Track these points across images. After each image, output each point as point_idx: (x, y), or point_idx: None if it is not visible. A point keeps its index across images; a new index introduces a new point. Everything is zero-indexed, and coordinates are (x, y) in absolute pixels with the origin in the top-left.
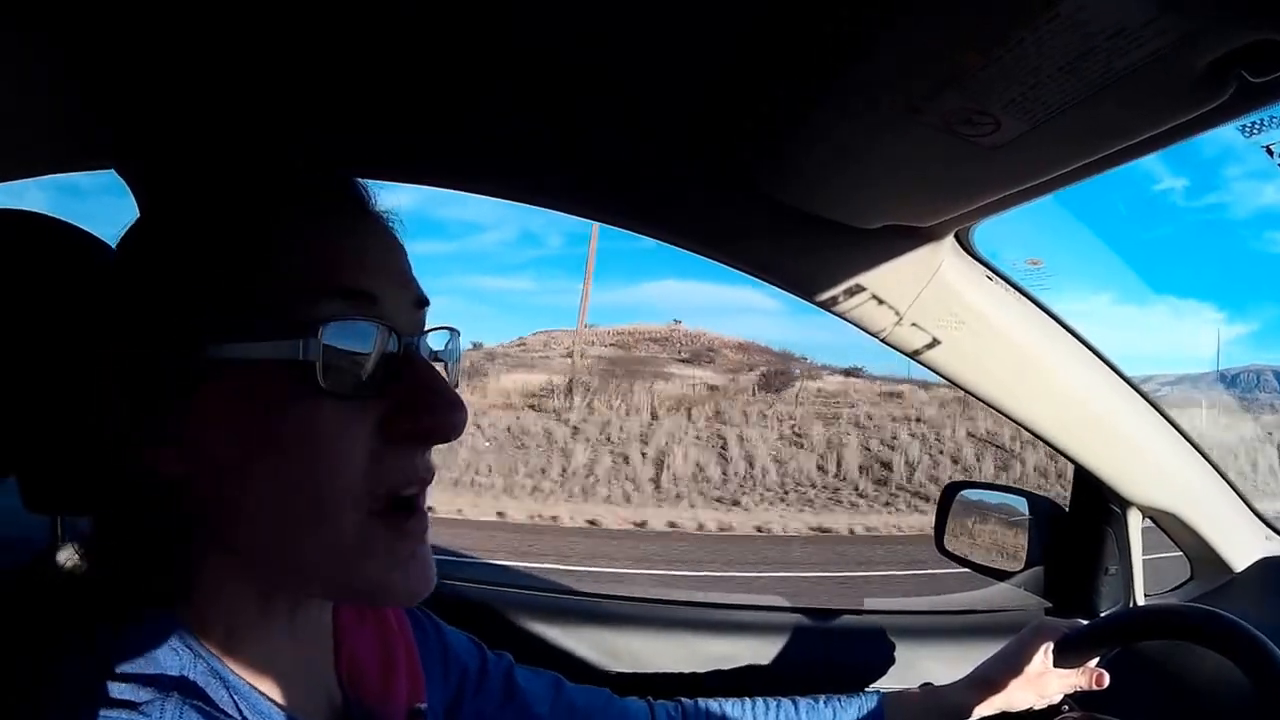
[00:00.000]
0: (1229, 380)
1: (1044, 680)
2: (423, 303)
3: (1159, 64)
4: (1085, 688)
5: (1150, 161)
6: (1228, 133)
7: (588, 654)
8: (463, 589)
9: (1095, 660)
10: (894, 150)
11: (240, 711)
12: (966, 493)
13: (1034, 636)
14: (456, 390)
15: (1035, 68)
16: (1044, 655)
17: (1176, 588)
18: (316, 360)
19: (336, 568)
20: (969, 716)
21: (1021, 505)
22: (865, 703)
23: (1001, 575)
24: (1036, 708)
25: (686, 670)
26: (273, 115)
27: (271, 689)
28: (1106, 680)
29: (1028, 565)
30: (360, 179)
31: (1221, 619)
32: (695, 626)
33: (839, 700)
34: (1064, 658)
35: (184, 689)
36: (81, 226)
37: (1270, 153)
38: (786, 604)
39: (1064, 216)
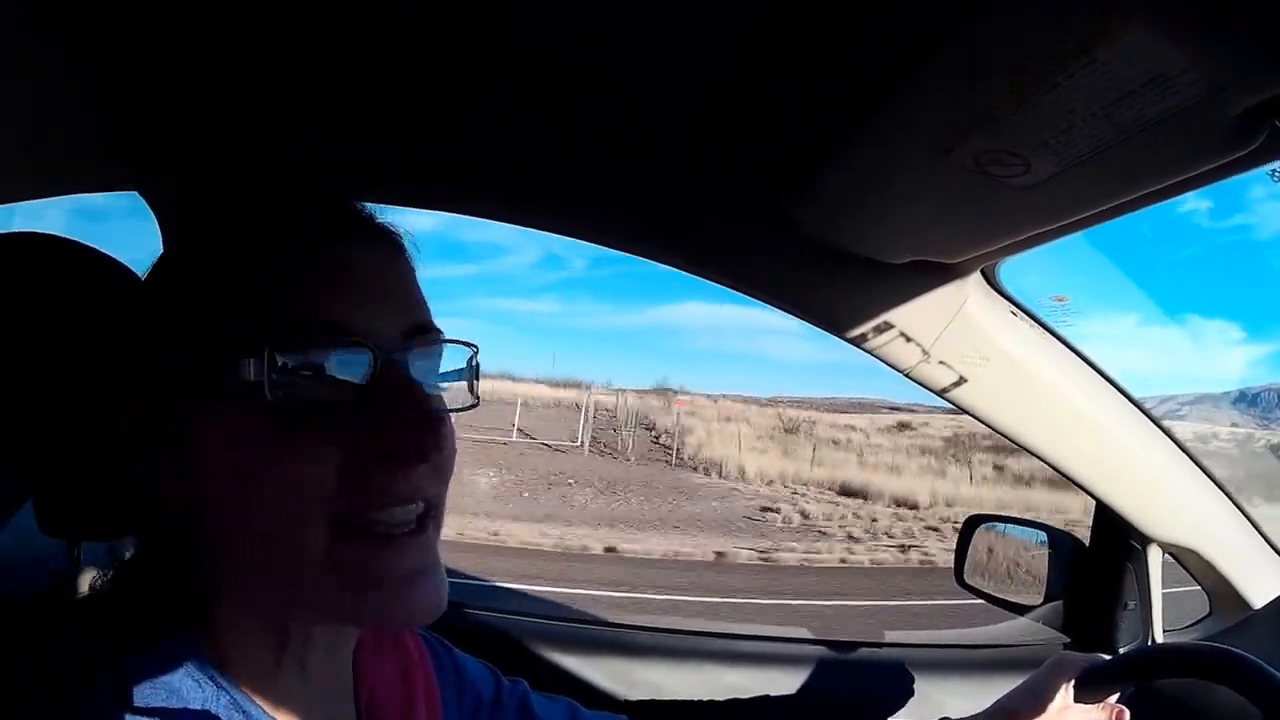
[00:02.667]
0: (1250, 399)
1: (1064, 716)
2: (419, 326)
3: (1191, 111)
4: None
5: None
6: None
7: (604, 683)
8: (479, 617)
9: (1115, 696)
10: (924, 188)
11: None
12: (986, 525)
13: (1055, 671)
14: (472, 405)
15: (1069, 112)
16: (1065, 691)
17: (1195, 624)
18: (264, 385)
19: (310, 589)
20: None
21: (1042, 539)
22: None
23: (1020, 609)
24: None
25: (703, 700)
26: (292, 145)
27: None
28: (1127, 717)
29: (1047, 600)
30: (377, 203)
31: (1240, 659)
32: (713, 657)
33: None
34: (1084, 693)
35: None
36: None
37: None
38: (805, 635)
39: (1089, 240)
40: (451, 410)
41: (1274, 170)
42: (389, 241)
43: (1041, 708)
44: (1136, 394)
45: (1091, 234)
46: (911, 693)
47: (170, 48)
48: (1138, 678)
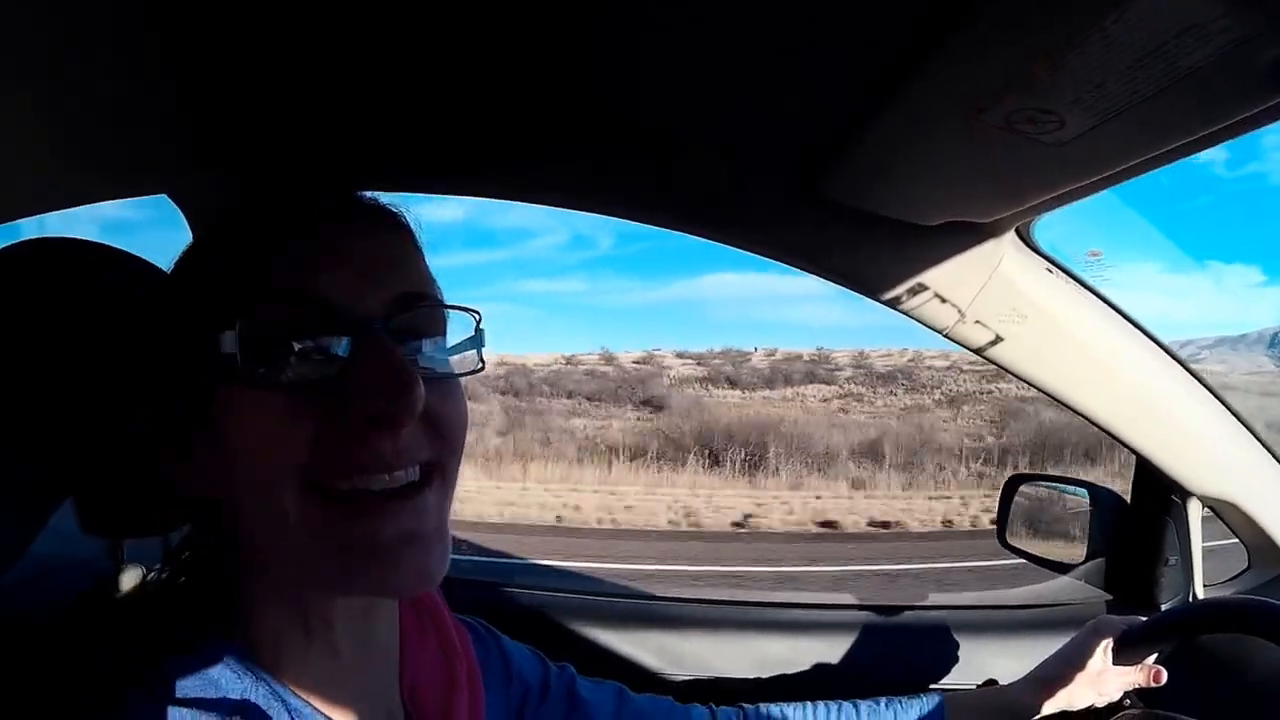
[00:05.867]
0: (1270, 341)
1: (1103, 678)
2: (410, 295)
3: (1224, 61)
4: (1144, 685)
5: None
6: None
7: (649, 660)
8: (519, 595)
9: (1154, 657)
10: (956, 149)
11: None
12: (1027, 485)
13: (1093, 635)
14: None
15: (1101, 67)
16: (1103, 653)
17: (1234, 578)
18: (236, 354)
19: (302, 557)
20: (1031, 715)
21: (1083, 497)
22: (926, 704)
23: (1063, 568)
24: (1097, 705)
25: (750, 674)
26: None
27: (331, 709)
28: (1165, 677)
29: (1089, 558)
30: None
31: (1277, 609)
32: (760, 627)
33: (900, 702)
34: (1122, 655)
35: (246, 713)
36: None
37: None
38: (849, 601)
39: (1111, 193)
40: (459, 375)
41: None
42: (383, 219)
43: (1081, 671)
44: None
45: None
46: (956, 656)
47: (194, 46)
48: (1176, 636)
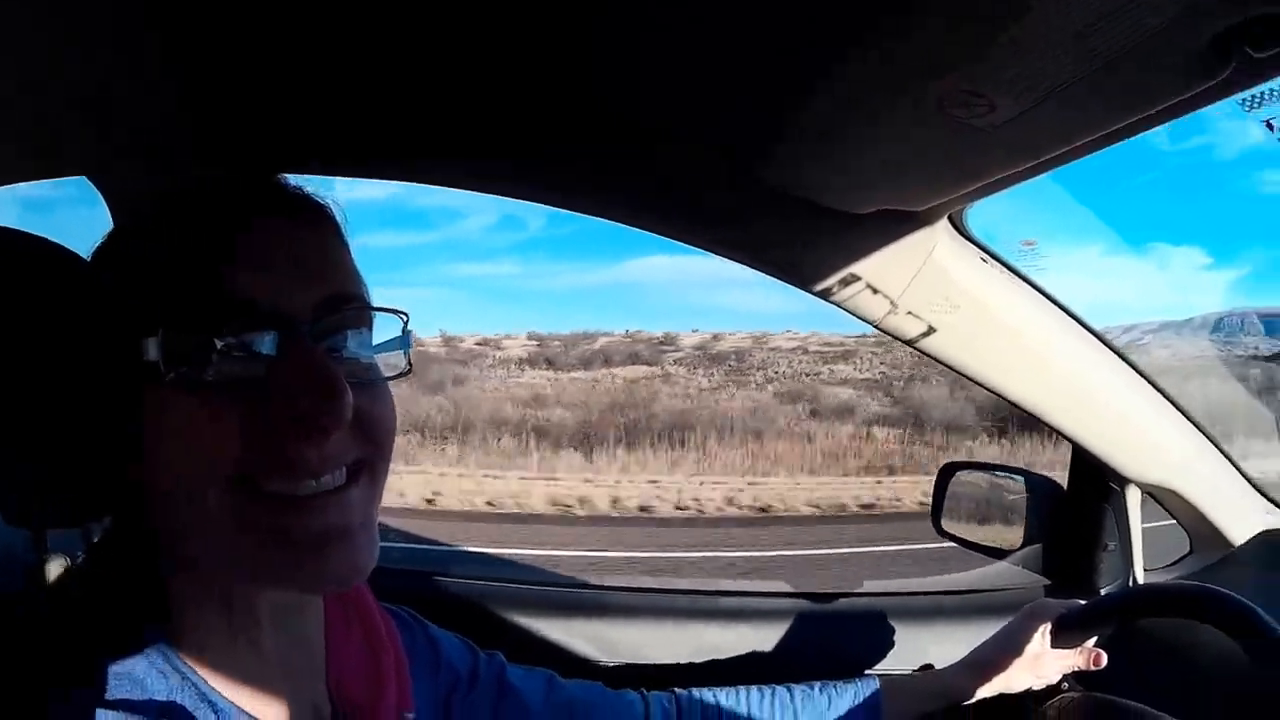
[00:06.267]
0: (1213, 325)
1: (1041, 661)
2: (338, 296)
3: (1159, 39)
4: (1083, 668)
5: None
6: None
7: (583, 647)
8: (450, 584)
9: (1093, 640)
10: (886, 133)
11: None
12: (963, 472)
13: (1031, 618)
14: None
15: (1032, 48)
16: (1041, 636)
17: (1175, 562)
18: (159, 355)
19: (226, 551)
20: (967, 699)
21: (1019, 484)
22: (862, 688)
23: (999, 554)
24: (1035, 688)
25: (685, 660)
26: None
27: (257, 705)
28: (1104, 660)
29: (1026, 544)
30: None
31: (1214, 594)
32: (693, 615)
33: (834, 686)
34: (1061, 638)
35: (171, 714)
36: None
37: (1270, 127)
38: (785, 589)
39: (1051, 176)
40: (389, 378)
41: (1244, 100)
42: (308, 211)
43: (1018, 654)
44: (1101, 324)
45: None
46: (892, 642)
47: (124, 22)
48: (1114, 620)
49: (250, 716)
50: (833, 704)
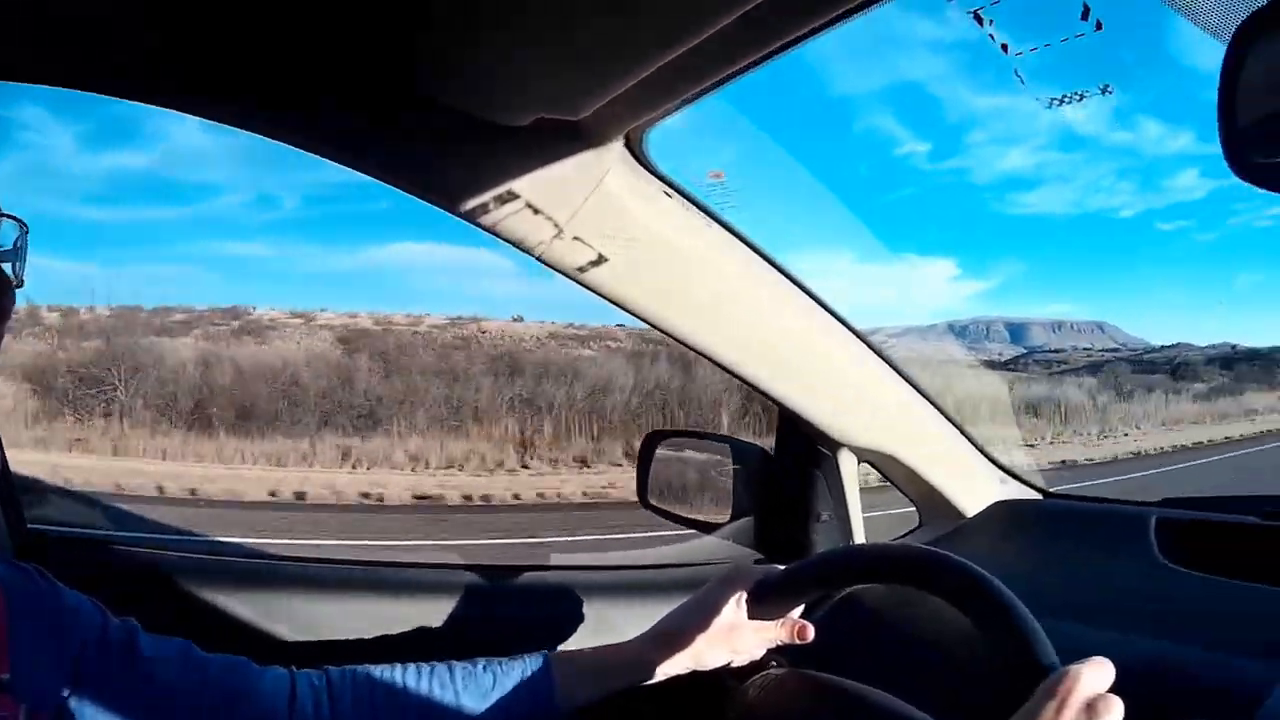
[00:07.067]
0: (958, 331)
1: (738, 634)
2: None
3: None
4: (785, 641)
5: (892, 125)
6: (973, 100)
7: (258, 620)
8: (122, 553)
9: (799, 611)
10: (537, 25)
11: None
12: (669, 442)
13: (723, 585)
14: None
15: None
16: (736, 605)
17: (904, 535)
18: None
19: None
20: (650, 674)
21: (726, 452)
22: (530, 664)
23: (708, 527)
24: (737, 664)
25: (368, 635)
26: None
27: None
28: (810, 633)
29: (736, 516)
30: None
31: (925, 555)
32: (370, 587)
33: (500, 664)
34: (760, 608)
35: None
36: None
37: (979, 20)
38: (461, 561)
39: (807, 179)
40: None
41: (1051, 100)
42: None
43: (708, 625)
44: None
45: (813, 166)
46: (582, 617)
47: None
48: (815, 587)
49: None
50: (498, 682)
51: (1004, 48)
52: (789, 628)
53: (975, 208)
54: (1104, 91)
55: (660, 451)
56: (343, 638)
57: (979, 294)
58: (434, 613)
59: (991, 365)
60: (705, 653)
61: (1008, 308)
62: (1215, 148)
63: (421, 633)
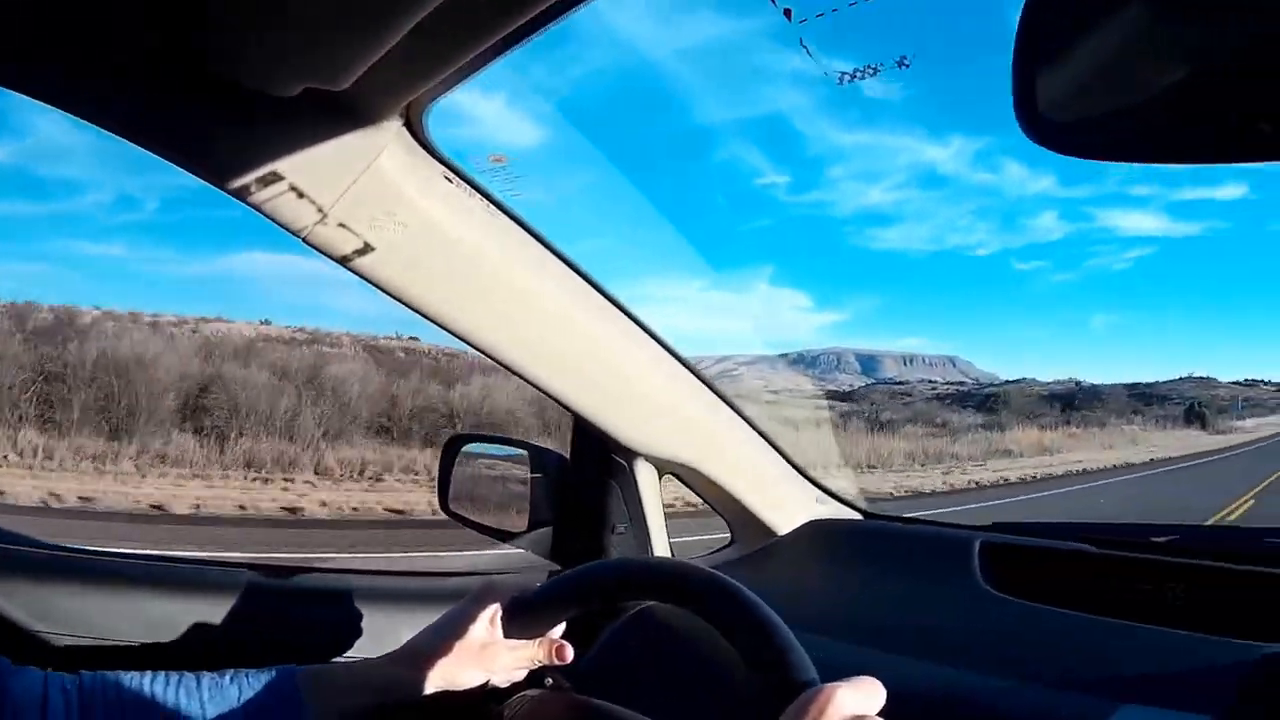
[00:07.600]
0: (809, 360)
1: (491, 653)
2: None
3: None
4: (544, 661)
5: (754, 156)
6: (834, 135)
7: (17, 614)
8: None
9: (560, 630)
10: None
11: None
12: (471, 446)
13: (474, 603)
14: None
15: None
16: (490, 624)
17: (714, 553)
18: None
19: None
20: (400, 693)
21: (525, 459)
22: (279, 677)
23: (506, 536)
24: (497, 684)
25: (138, 638)
26: None
27: None
28: (569, 653)
29: (534, 525)
30: None
31: (671, 566)
32: (137, 583)
33: (246, 675)
34: (515, 626)
35: None
36: None
37: (788, 16)
38: (236, 558)
39: (655, 209)
40: None
41: (841, 75)
42: None
43: (455, 643)
44: (695, 354)
45: (659, 202)
46: (361, 628)
47: None
48: (571, 605)
49: None
50: (242, 694)
51: (787, 14)
52: (546, 647)
53: (834, 241)
54: (900, 64)
55: (462, 456)
56: (107, 637)
57: (834, 325)
58: (215, 612)
59: (835, 395)
60: (457, 672)
61: (863, 340)
62: (1078, 191)
63: (200, 631)
